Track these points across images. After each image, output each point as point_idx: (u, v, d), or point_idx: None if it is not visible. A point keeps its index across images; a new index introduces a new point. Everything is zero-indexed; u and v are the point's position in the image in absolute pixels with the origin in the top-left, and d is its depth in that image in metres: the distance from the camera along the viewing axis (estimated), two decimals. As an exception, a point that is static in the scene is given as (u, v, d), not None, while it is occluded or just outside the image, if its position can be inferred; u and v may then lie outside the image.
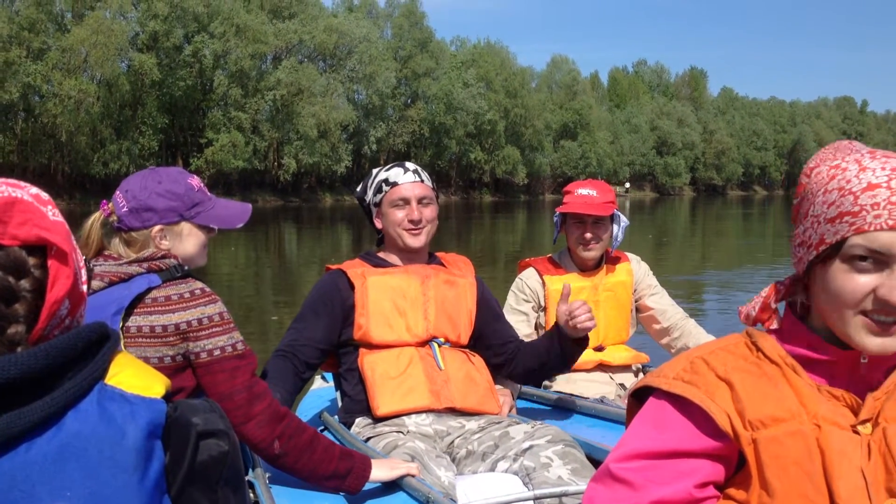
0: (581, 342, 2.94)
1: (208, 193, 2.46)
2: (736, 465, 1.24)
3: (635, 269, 3.79)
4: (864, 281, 1.16)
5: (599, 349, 3.66)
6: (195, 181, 2.42)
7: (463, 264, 3.14)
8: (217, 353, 2.25)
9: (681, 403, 1.24)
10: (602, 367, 3.66)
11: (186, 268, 2.33)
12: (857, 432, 1.20)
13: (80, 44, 48.38)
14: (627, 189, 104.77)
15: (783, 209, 60.97)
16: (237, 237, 27.12)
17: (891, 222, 1.14)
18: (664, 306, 3.78)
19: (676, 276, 15.35)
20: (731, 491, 1.25)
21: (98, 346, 1.04)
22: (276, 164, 61.51)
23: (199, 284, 2.30)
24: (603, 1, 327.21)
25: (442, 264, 3.07)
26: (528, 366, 3.05)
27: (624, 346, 3.77)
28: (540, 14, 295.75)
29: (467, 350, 2.96)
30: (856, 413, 1.21)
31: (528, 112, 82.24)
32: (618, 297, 3.69)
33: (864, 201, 1.16)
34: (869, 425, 1.21)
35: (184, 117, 58.89)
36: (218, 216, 2.42)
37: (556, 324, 2.94)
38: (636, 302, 3.81)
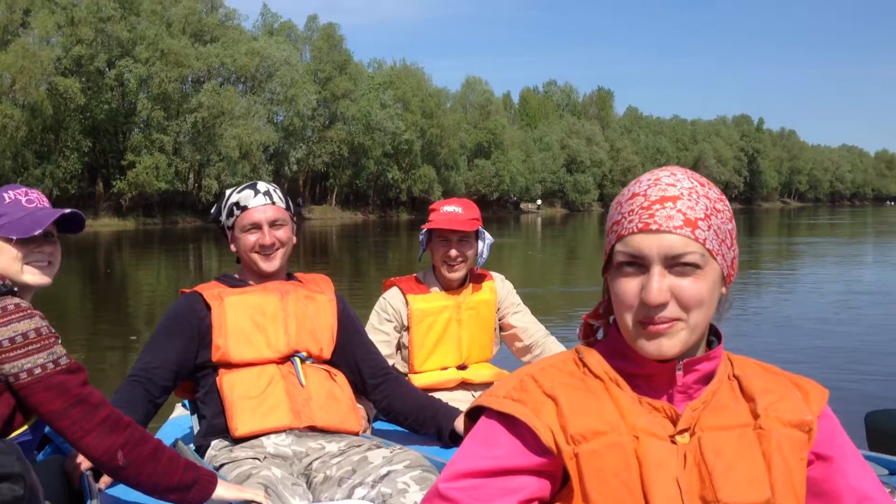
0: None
1: (23, 204, 2.33)
2: (561, 481, 1.26)
3: (499, 288, 3.80)
4: (630, 286, 1.21)
5: (462, 368, 3.69)
6: (8, 194, 2.33)
7: (322, 281, 3.08)
8: (38, 371, 2.09)
9: (509, 421, 1.25)
10: (464, 385, 3.66)
11: (7, 284, 2.20)
12: (674, 442, 1.23)
13: (6, 69, 48.79)
14: (539, 206, 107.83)
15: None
16: (159, 257, 28.61)
17: (640, 225, 1.20)
18: (526, 324, 3.80)
19: (587, 286, 17.28)
20: None
21: None
22: (196, 185, 62.11)
23: (13, 300, 2.15)
24: (515, 22, 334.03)
25: (300, 283, 3.03)
26: (399, 412, 3.08)
27: (487, 364, 3.79)
28: (455, 35, 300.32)
29: (330, 367, 2.91)
30: (675, 423, 1.25)
31: (443, 132, 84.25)
32: (481, 315, 3.70)
33: (624, 209, 1.25)
34: (687, 435, 1.24)
35: (106, 140, 59.04)
36: (12, 225, 2.26)
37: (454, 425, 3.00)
38: (499, 320, 3.82)
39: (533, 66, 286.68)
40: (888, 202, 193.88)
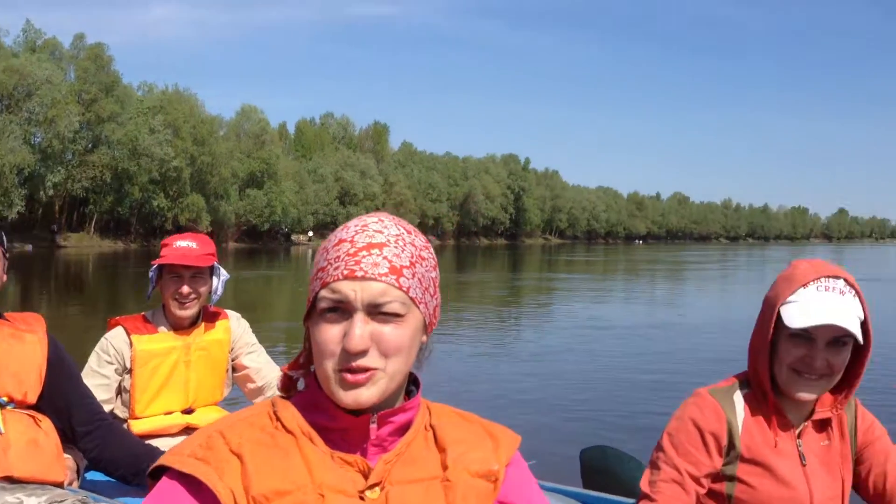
0: None
1: None
2: None
3: (234, 327, 3.67)
4: (332, 333, 1.19)
5: (188, 412, 3.52)
6: None
7: (33, 320, 2.84)
8: None
9: (191, 483, 1.18)
10: (189, 430, 3.46)
11: None
12: (363, 498, 1.21)
13: None
14: (311, 238, 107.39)
15: (453, 258, 66.47)
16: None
17: (346, 272, 1.18)
18: (260, 365, 3.66)
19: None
20: None
21: None
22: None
23: None
24: (294, 52, 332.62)
25: (7, 322, 2.78)
26: (111, 461, 2.88)
27: (216, 406, 3.64)
28: (232, 62, 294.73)
29: (35, 412, 2.68)
30: (367, 478, 1.23)
31: (214, 160, 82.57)
32: (212, 355, 3.56)
33: (331, 255, 1.23)
34: (377, 489, 1.22)
35: None
36: None
37: None
38: (232, 361, 3.67)
39: (311, 97, 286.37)
40: (637, 241, 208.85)
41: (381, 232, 1.24)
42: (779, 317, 1.86)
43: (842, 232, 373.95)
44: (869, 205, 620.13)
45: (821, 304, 1.80)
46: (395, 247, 1.23)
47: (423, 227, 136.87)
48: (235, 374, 3.70)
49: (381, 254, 1.21)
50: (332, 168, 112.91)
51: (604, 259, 63.24)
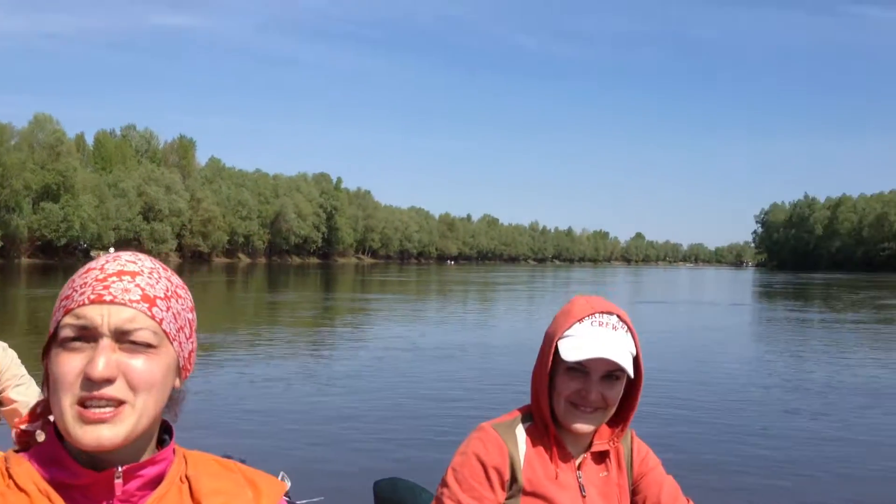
0: None
1: None
2: None
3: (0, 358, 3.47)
4: (73, 363, 1.09)
5: None
6: None
7: None
8: None
9: None
10: None
11: None
12: None
13: None
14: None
15: (264, 277, 64.97)
16: None
17: (93, 296, 1.10)
18: (29, 398, 3.44)
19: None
20: None
21: None
22: None
23: None
24: (90, 61, 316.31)
25: None
26: None
27: None
28: (23, 67, 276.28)
29: None
30: None
31: (5, 171, 77.65)
32: None
33: (77, 283, 1.14)
34: None
35: None
36: None
37: None
38: (0, 394, 3.46)
39: (111, 108, 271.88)
40: (449, 261, 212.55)
41: (134, 262, 1.17)
42: (556, 350, 1.91)
43: (639, 255, 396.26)
44: (663, 230, 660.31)
45: (594, 338, 1.88)
46: (150, 277, 1.16)
47: (234, 245, 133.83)
48: (2, 409, 3.42)
49: (133, 281, 1.14)
50: (135, 182, 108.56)
51: (416, 279, 63.51)
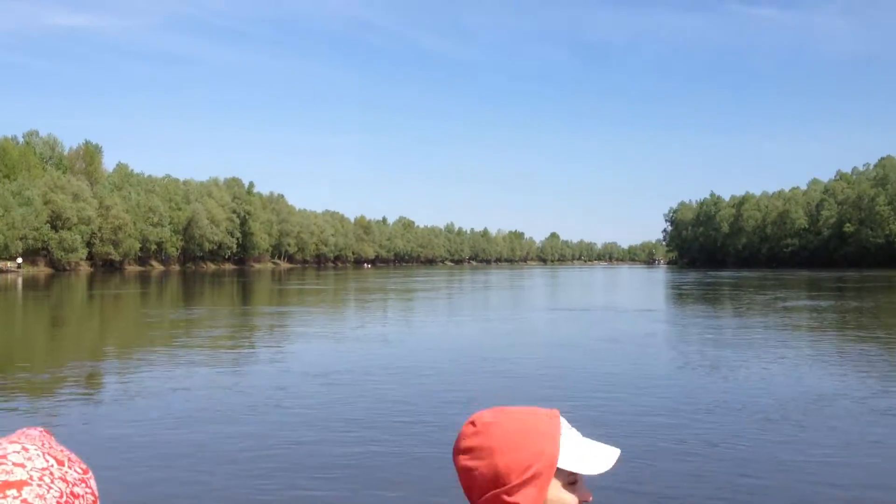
0: None
1: None
2: None
3: None
4: None
5: None
6: None
7: None
8: None
9: None
10: None
11: None
12: None
13: None
14: (20, 265, 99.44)
15: (178, 288, 63.91)
16: None
17: None
18: None
19: (75, 362, 16.13)
20: None
21: None
22: None
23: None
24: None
25: None
26: None
27: None
28: None
29: None
30: None
31: None
32: None
33: None
34: None
35: None
36: None
37: None
38: None
39: (8, 114, 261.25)
40: (366, 265, 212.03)
41: (23, 465, 1.03)
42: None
43: (554, 254, 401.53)
44: (577, 230, 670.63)
45: (587, 442, 1.53)
46: (40, 485, 1.03)
47: (146, 253, 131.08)
48: None
49: (18, 496, 1.00)
50: (41, 190, 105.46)
51: (334, 287, 63.31)
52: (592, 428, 7.22)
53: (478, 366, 15.47)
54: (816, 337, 21.00)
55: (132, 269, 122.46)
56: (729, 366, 15.15)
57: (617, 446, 1.42)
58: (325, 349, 18.78)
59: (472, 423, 1.46)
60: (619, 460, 1.37)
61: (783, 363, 15.51)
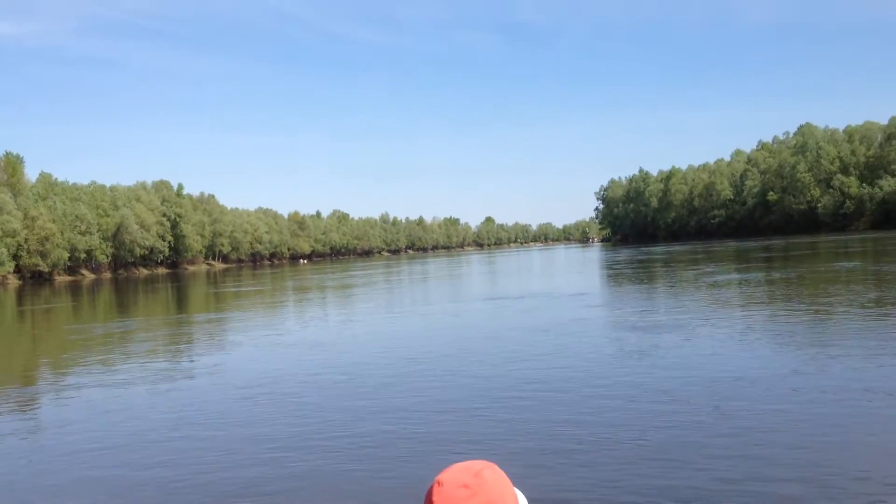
0: None
1: None
2: None
3: None
4: None
5: None
6: None
7: None
8: None
9: None
10: None
11: None
12: None
13: None
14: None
15: (111, 293, 62.83)
16: None
17: None
18: None
19: (8, 386, 15.84)
20: None
21: None
22: None
23: None
24: None
25: None
26: None
27: None
28: None
29: None
30: None
31: None
32: None
33: None
34: None
35: None
36: None
37: None
38: None
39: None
40: (301, 260, 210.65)
41: None
42: None
43: (491, 238, 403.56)
44: (512, 213, 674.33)
45: None
46: None
47: (76, 262, 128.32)
48: None
49: None
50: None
51: (271, 287, 62.84)
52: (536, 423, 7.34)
53: (407, 368, 15.45)
54: (746, 313, 21.59)
55: (62, 279, 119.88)
56: (661, 348, 15.51)
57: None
58: (252, 358, 18.42)
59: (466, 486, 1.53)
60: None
61: (714, 341, 15.93)
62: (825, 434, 8.72)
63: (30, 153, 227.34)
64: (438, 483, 1.54)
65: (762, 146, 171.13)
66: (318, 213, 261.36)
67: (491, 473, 1.55)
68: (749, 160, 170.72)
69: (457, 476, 1.54)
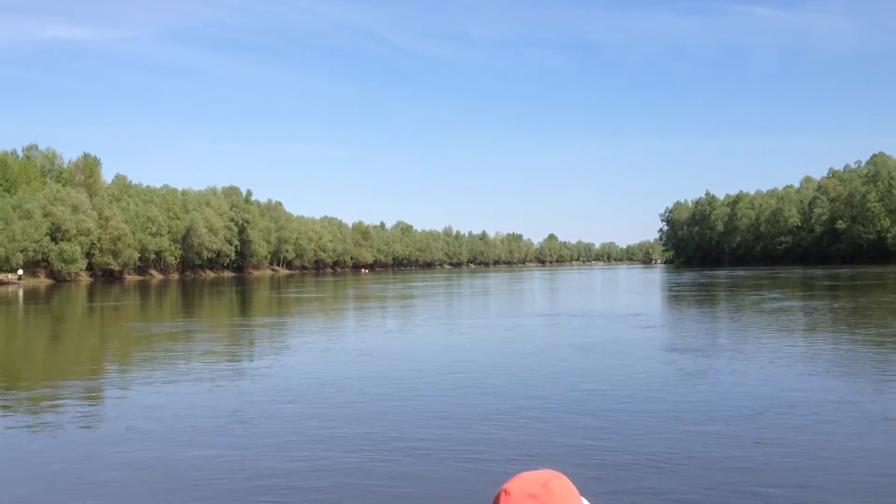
0: None
1: None
2: None
3: None
4: None
5: None
6: None
7: None
8: None
9: None
10: None
11: None
12: None
13: None
14: (21, 276, 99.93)
15: (178, 292, 64.30)
16: None
17: None
18: None
19: (70, 380, 16.61)
20: None
21: None
22: None
23: None
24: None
25: None
26: None
27: None
28: None
29: None
30: None
31: None
32: None
33: None
34: None
35: None
36: None
37: None
38: None
39: (8, 127, 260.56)
40: (363, 270, 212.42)
41: None
42: None
43: (553, 255, 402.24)
44: (575, 231, 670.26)
45: None
46: None
47: (145, 262, 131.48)
48: None
49: None
50: (40, 203, 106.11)
51: (332, 294, 63.65)
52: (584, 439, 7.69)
53: (464, 381, 15.84)
54: (810, 340, 21.46)
55: (131, 278, 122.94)
56: (719, 372, 15.60)
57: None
58: (312, 364, 18.75)
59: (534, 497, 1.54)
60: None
61: (774, 367, 15.96)
62: (881, 469, 8.83)
63: (106, 155, 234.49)
64: (506, 492, 1.53)
65: (833, 174, 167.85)
66: (383, 224, 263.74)
67: (559, 484, 1.55)
68: (819, 188, 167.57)
69: (525, 486, 1.53)
